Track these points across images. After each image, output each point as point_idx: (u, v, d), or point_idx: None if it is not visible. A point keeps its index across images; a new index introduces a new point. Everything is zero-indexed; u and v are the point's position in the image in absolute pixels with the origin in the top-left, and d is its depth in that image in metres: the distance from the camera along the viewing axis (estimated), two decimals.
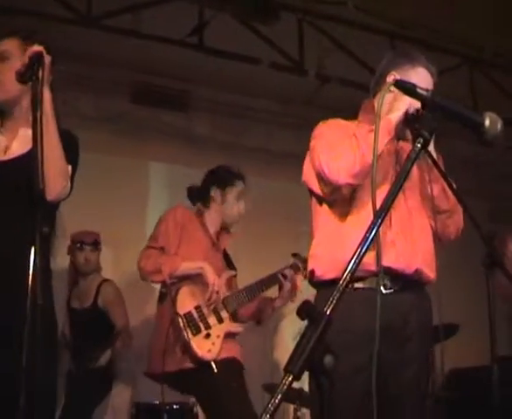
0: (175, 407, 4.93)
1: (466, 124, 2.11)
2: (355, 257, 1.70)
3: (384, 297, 2.84)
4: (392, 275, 2.86)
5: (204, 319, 4.20)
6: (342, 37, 6.03)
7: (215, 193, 4.52)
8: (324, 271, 2.90)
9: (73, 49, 5.57)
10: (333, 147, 2.86)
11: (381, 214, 1.79)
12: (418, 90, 2.10)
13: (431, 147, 2.64)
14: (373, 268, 2.67)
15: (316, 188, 3.00)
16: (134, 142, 6.68)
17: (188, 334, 4.10)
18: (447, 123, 2.07)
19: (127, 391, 6.10)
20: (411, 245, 2.89)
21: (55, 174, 2.62)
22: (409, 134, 2.83)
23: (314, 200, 3.11)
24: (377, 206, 1.90)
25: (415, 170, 2.95)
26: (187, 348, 4.10)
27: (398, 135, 2.87)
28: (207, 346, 4.13)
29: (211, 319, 4.22)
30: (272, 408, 1.48)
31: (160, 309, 4.40)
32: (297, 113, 7.39)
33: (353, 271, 1.68)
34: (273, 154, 7.31)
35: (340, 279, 1.68)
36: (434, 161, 2.62)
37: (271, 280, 4.58)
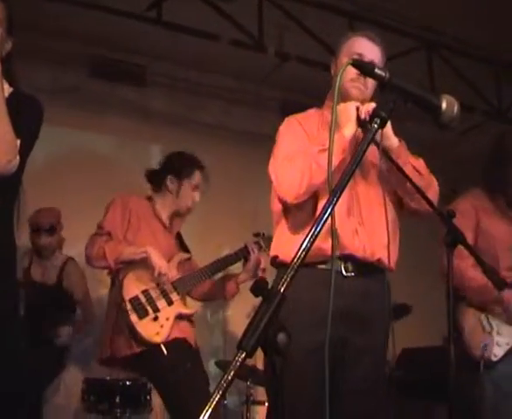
0: (128, 383, 4.93)
1: (423, 106, 2.12)
2: (309, 235, 1.69)
3: (345, 280, 2.87)
4: (354, 260, 2.89)
5: (152, 302, 4.16)
6: (301, 15, 6.01)
7: (171, 182, 4.45)
8: (288, 256, 2.91)
9: (31, 20, 5.47)
10: (287, 163, 2.92)
11: (336, 192, 1.79)
12: (377, 70, 2.09)
13: (393, 142, 2.68)
14: (336, 253, 2.76)
15: None
16: (90, 116, 6.61)
17: (133, 318, 4.08)
18: (404, 105, 2.08)
19: (80, 370, 6.07)
20: (373, 234, 2.91)
21: None
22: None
23: None
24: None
25: (372, 163, 2.97)
26: (133, 332, 4.08)
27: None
28: (155, 329, 4.09)
29: (160, 302, 4.19)
30: (224, 385, 1.48)
31: (110, 295, 4.37)
32: (254, 91, 7.39)
33: (307, 250, 1.68)
34: (230, 131, 7.30)
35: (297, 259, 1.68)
36: (389, 157, 2.66)
37: (233, 258, 4.59)
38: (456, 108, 2.11)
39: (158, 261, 4.15)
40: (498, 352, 3.79)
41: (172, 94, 7.14)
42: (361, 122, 2.79)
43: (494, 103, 7.26)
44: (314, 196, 2.91)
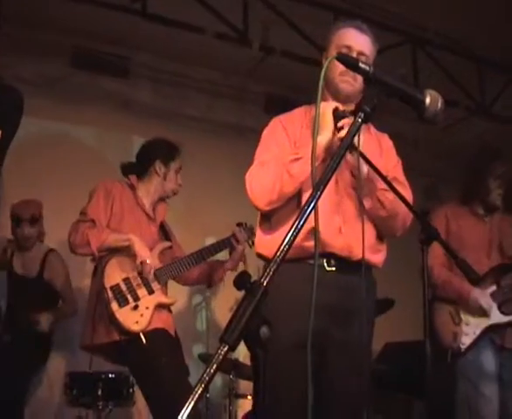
0: (110, 376, 4.92)
1: (406, 100, 2.12)
2: (293, 229, 1.70)
3: (327, 274, 2.87)
4: (337, 258, 2.90)
5: (132, 290, 4.16)
6: (286, 9, 6.01)
7: (159, 167, 4.50)
8: (271, 252, 2.92)
9: (13, 11, 5.44)
10: (260, 170, 2.94)
11: (319, 186, 1.79)
12: (361, 65, 2.09)
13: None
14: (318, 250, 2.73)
15: None
16: (73, 107, 6.58)
17: (113, 306, 4.07)
18: (388, 99, 2.08)
19: (64, 362, 6.05)
20: (357, 234, 2.91)
21: None
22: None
23: None
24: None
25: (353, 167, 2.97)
26: (113, 320, 4.07)
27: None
28: (134, 318, 4.09)
29: (141, 291, 4.18)
30: (207, 378, 1.48)
31: (92, 282, 4.36)
32: (239, 84, 7.38)
33: (290, 243, 1.68)
34: (214, 124, 7.29)
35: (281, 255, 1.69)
36: (366, 160, 2.66)
37: (220, 246, 4.62)
38: (440, 103, 2.12)
39: (140, 249, 4.15)
40: (466, 340, 4.11)
41: (156, 87, 7.12)
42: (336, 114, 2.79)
43: (478, 98, 7.29)
44: (298, 193, 2.92)
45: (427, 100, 2.09)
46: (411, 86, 2.14)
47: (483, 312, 4.15)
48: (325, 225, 2.77)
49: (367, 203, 2.90)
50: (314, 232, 2.12)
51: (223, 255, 4.77)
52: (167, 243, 4.50)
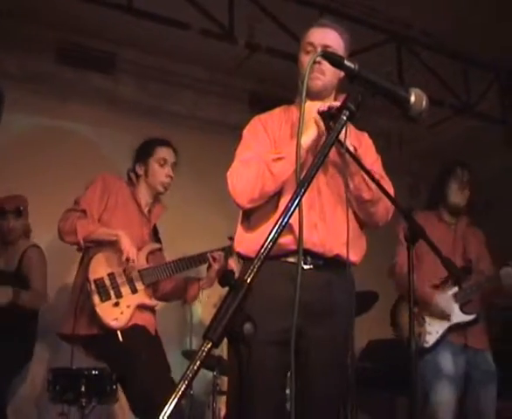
0: (93, 372, 4.90)
1: (391, 99, 2.13)
2: (277, 225, 1.70)
3: (304, 272, 2.87)
4: (312, 254, 2.90)
5: (116, 287, 4.15)
6: (272, 6, 6.01)
7: (139, 168, 4.55)
8: (251, 250, 2.92)
9: None
10: (242, 169, 2.94)
11: (304, 184, 1.79)
12: (346, 62, 2.10)
13: (347, 142, 2.69)
14: (293, 247, 2.79)
15: None
16: (58, 103, 6.55)
17: (95, 300, 4.06)
18: (373, 98, 2.08)
19: (47, 359, 6.03)
20: (332, 230, 2.92)
21: None
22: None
23: None
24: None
25: (336, 160, 2.97)
26: (93, 314, 4.06)
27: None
28: (114, 314, 4.08)
29: (124, 289, 4.18)
30: (190, 375, 1.48)
31: (77, 272, 4.35)
32: (224, 81, 7.38)
33: (275, 240, 1.68)
34: (199, 121, 7.28)
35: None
36: (352, 155, 2.67)
37: (199, 259, 4.58)
38: (425, 102, 2.13)
39: (127, 246, 4.15)
40: (429, 339, 4.28)
41: (141, 82, 7.09)
42: (322, 114, 2.79)
43: (463, 97, 7.31)
44: (278, 192, 2.92)
45: (412, 99, 2.10)
46: (395, 85, 2.15)
47: (444, 316, 4.29)
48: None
49: (352, 183, 2.89)
50: (299, 230, 2.13)
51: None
52: (157, 245, 4.50)
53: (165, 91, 7.18)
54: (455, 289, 4.34)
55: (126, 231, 4.21)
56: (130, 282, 4.21)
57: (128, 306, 4.14)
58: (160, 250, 4.55)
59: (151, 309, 4.34)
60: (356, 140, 3.15)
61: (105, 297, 4.10)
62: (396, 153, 7.90)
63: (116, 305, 4.10)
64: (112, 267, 4.19)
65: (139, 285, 4.23)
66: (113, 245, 4.18)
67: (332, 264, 2.94)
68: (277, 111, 3.20)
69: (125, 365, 4.07)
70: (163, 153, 4.56)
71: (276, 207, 2.91)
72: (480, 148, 7.59)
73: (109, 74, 6.84)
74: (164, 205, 4.69)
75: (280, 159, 2.81)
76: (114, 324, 4.06)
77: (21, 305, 5.30)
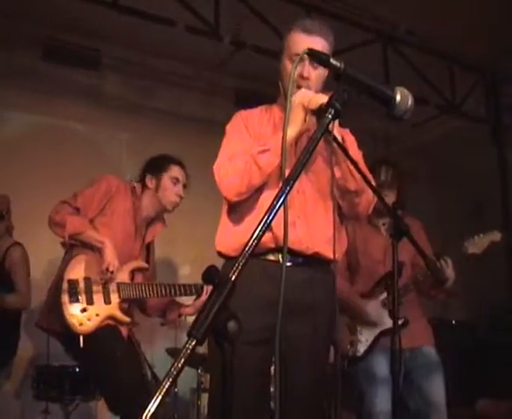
0: (77, 370, 4.89)
1: (377, 98, 2.13)
2: (261, 223, 1.70)
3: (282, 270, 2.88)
4: (290, 252, 2.90)
5: (89, 292, 4.07)
6: (258, 4, 6.01)
7: (150, 181, 4.45)
8: (232, 249, 2.93)
9: None
10: (228, 163, 2.93)
11: (289, 182, 1.79)
12: (332, 61, 2.10)
13: (335, 131, 2.67)
14: (271, 245, 2.81)
15: None
16: (43, 99, 6.53)
17: (64, 298, 4.02)
18: (359, 96, 2.09)
19: (31, 356, 6.01)
20: (311, 228, 2.92)
21: None
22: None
23: None
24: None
25: (320, 154, 2.97)
26: (59, 312, 4.01)
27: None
28: (80, 319, 3.99)
29: (98, 297, 4.09)
30: (174, 373, 1.47)
31: (59, 266, 4.29)
32: (209, 78, 7.38)
33: (259, 238, 1.68)
34: (184, 118, 7.28)
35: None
36: (339, 144, 2.66)
37: (191, 290, 4.46)
38: (410, 101, 2.13)
39: (110, 257, 4.09)
40: (360, 348, 4.31)
41: (127, 79, 7.08)
42: (315, 112, 2.77)
43: (448, 97, 7.35)
44: (258, 189, 2.92)
45: (397, 98, 2.10)
46: (381, 83, 2.15)
47: (375, 324, 4.29)
48: (278, 219, 2.77)
49: (338, 172, 2.89)
50: (284, 229, 2.13)
51: None
52: (142, 264, 4.39)
53: (150, 87, 7.18)
54: (384, 294, 4.29)
55: (114, 241, 4.15)
56: (106, 292, 4.14)
57: (98, 315, 4.06)
58: (146, 269, 4.46)
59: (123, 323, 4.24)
60: (340, 136, 3.15)
61: (74, 299, 4.02)
62: (382, 151, 7.94)
63: (84, 310, 4.02)
64: (90, 272, 4.12)
65: (114, 298, 4.15)
66: (98, 251, 4.14)
67: (312, 262, 2.94)
68: (258, 110, 3.20)
69: (101, 363, 4.02)
70: (177, 172, 4.51)
71: (257, 203, 2.91)
72: (465, 147, 7.63)
73: (94, 71, 6.81)
74: (165, 224, 4.62)
75: (265, 151, 2.81)
76: (77, 328, 3.96)
77: (6, 307, 5.30)
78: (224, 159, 2.97)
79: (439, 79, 7.18)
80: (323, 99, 2.51)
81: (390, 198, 4.41)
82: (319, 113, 2.61)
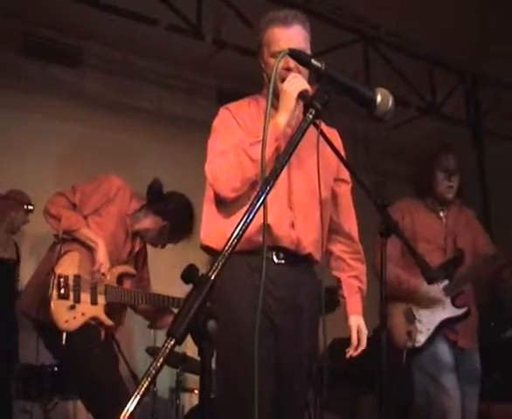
0: (56, 369, 4.87)
1: (357, 98, 2.14)
2: (242, 222, 1.70)
3: (275, 267, 2.88)
4: (286, 251, 2.91)
5: (77, 290, 4.05)
6: (239, 3, 6.01)
7: (155, 220, 4.42)
8: (220, 244, 2.91)
9: None
10: (220, 159, 2.90)
11: (269, 181, 1.79)
12: (313, 61, 2.10)
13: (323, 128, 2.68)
14: (268, 244, 2.77)
15: None
16: (22, 96, 6.49)
17: (53, 294, 3.99)
18: (339, 97, 2.09)
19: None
20: (308, 230, 2.94)
21: None
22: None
23: None
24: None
25: (312, 156, 2.96)
26: (46, 305, 3.98)
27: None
28: (66, 316, 3.97)
29: (85, 296, 4.07)
30: (153, 372, 1.47)
31: (46, 255, 4.25)
32: (191, 77, 7.36)
33: (239, 237, 1.68)
34: (165, 117, 7.26)
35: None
36: (325, 138, 2.66)
37: (178, 302, 4.40)
38: (390, 102, 2.14)
39: (102, 258, 4.07)
40: (421, 338, 4.11)
41: (107, 77, 7.05)
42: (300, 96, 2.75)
43: (428, 98, 7.39)
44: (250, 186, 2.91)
45: (378, 98, 2.11)
46: (362, 84, 2.16)
47: (435, 304, 4.15)
48: (278, 220, 2.81)
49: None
50: (263, 226, 2.12)
51: None
52: (131, 270, 4.37)
53: (131, 86, 7.16)
54: (446, 282, 4.18)
55: (106, 242, 4.14)
56: (93, 293, 4.12)
57: (83, 314, 4.04)
58: (133, 276, 4.44)
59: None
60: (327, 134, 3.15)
61: (63, 295, 4.00)
62: (362, 151, 7.97)
63: (72, 307, 4.00)
64: (81, 270, 4.09)
65: (100, 299, 4.13)
66: (91, 251, 4.12)
67: (302, 261, 2.96)
68: (245, 102, 3.16)
69: (79, 359, 3.99)
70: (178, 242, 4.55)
71: (246, 201, 2.89)
72: None
73: (75, 68, 6.79)
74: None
75: (257, 142, 2.78)
76: (62, 325, 3.94)
77: None
78: (216, 156, 2.93)
79: (419, 81, 7.21)
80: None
81: (454, 185, 4.34)
82: (305, 98, 2.61)
